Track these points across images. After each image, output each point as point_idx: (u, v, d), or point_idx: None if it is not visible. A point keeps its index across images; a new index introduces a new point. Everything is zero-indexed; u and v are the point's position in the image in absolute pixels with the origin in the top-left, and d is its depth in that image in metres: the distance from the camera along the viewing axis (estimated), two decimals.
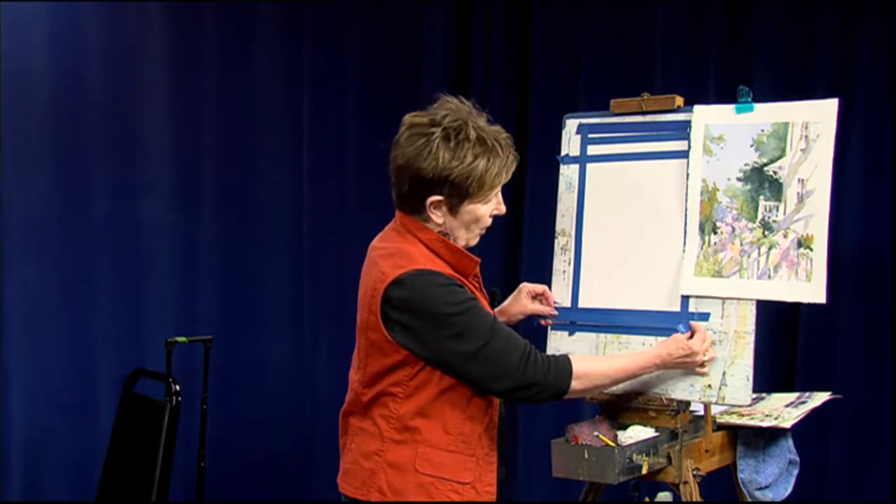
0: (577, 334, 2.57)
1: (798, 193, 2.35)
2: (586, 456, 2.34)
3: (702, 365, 2.36)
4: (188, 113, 4.17)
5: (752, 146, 2.42)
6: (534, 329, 2.60)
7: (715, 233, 2.44)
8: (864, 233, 3.61)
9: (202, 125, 4.22)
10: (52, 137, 3.88)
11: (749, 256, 2.39)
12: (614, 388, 2.43)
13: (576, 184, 2.64)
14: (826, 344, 3.67)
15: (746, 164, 2.42)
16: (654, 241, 2.52)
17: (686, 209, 2.48)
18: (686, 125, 2.50)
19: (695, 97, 2.68)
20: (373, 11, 4.49)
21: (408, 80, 4.48)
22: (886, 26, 3.58)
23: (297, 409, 4.42)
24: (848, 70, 3.64)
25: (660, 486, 3.20)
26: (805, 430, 2.77)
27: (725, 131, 2.45)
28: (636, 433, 2.40)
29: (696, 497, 2.39)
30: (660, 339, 2.41)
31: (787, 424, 2.57)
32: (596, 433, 2.40)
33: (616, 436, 2.41)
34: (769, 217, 2.38)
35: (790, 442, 2.67)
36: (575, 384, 2.15)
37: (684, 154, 2.50)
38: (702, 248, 2.45)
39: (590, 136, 2.64)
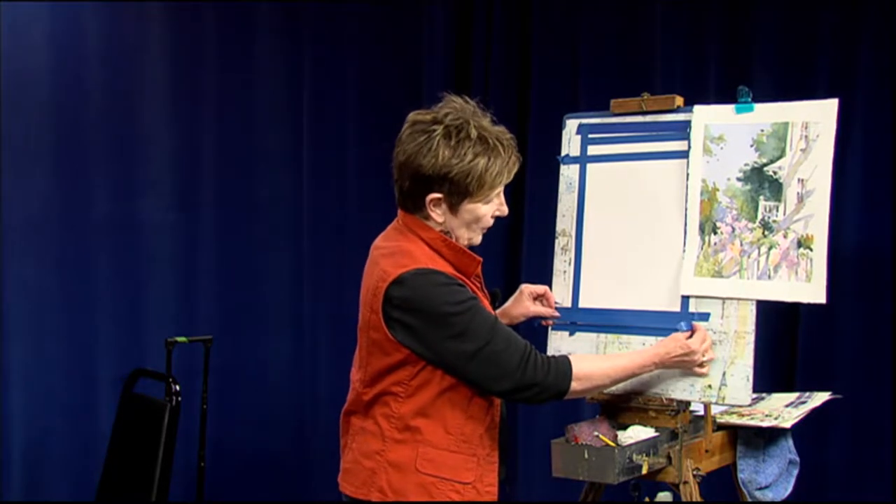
0: (578, 334, 2.57)
1: (798, 193, 2.35)
2: (586, 456, 2.34)
3: (701, 365, 2.35)
4: (188, 113, 4.17)
5: (751, 146, 2.42)
6: (534, 330, 2.60)
7: (715, 233, 2.44)
8: (864, 233, 3.61)
9: (202, 125, 4.22)
10: (52, 137, 3.88)
11: (749, 256, 2.39)
12: (614, 388, 2.43)
13: (576, 184, 2.63)
14: (826, 344, 3.67)
15: (746, 165, 2.42)
16: (654, 242, 2.52)
17: (686, 209, 2.48)
18: (686, 125, 2.50)
19: (695, 97, 2.68)
20: (373, 11, 4.48)
21: (408, 80, 4.48)
22: (886, 26, 3.58)
23: (297, 409, 4.42)
24: (848, 70, 3.64)
25: (660, 486, 3.20)
26: (805, 430, 2.77)
27: (725, 131, 2.45)
28: (636, 433, 2.40)
29: (696, 497, 2.39)
30: (660, 339, 2.41)
31: (787, 424, 2.56)
32: (596, 433, 2.40)
33: (616, 436, 2.41)
34: (769, 217, 2.38)
35: (790, 442, 2.67)
36: (574, 385, 2.15)
37: (684, 154, 2.49)
38: (702, 249, 2.45)
39: (590, 136, 2.64)
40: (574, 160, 2.65)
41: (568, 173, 2.66)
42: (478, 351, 2.08)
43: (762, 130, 2.41)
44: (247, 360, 4.26)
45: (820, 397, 2.80)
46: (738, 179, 2.43)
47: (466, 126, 2.12)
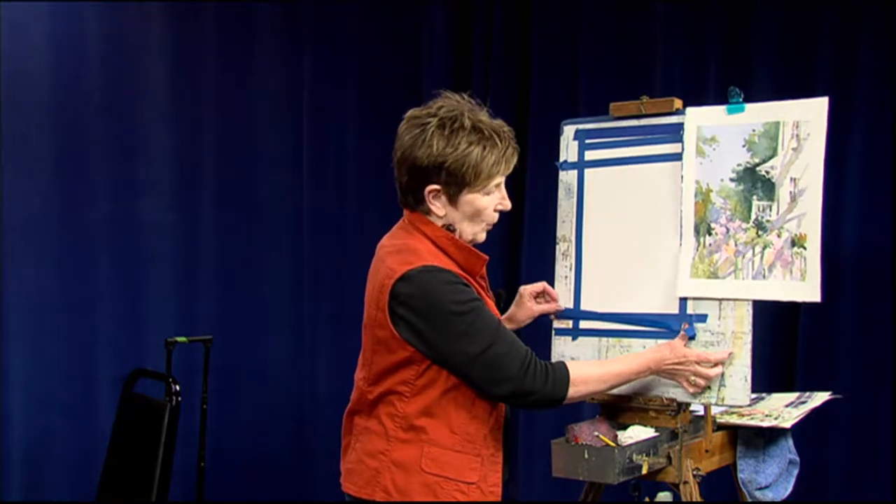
0: (580, 339, 2.58)
1: (790, 192, 2.35)
2: (586, 456, 2.34)
3: (692, 382, 2.34)
4: (188, 113, 4.17)
5: (744, 146, 2.42)
6: (541, 332, 2.61)
7: (709, 234, 2.44)
8: (863, 233, 3.60)
9: (202, 125, 4.22)
10: (52, 137, 3.88)
11: (744, 257, 2.39)
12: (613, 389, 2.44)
13: (574, 189, 2.64)
14: (826, 344, 3.66)
15: (739, 165, 2.42)
16: (652, 244, 2.52)
17: (681, 211, 2.48)
18: (680, 127, 2.50)
19: (695, 97, 2.68)
20: (373, 11, 4.49)
21: (408, 80, 4.48)
22: (886, 26, 3.58)
23: (297, 409, 4.42)
24: (848, 70, 3.64)
25: (660, 486, 3.20)
26: (805, 430, 2.77)
27: (717, 132, 2.45)
28: (636, 433, 2.40)
29: (696, 497, 2.39)
30: (660, 341, 2.42)
31: (787, 424, 2.56)
32: (596, 433, 2.40)
33: (616, 436, 2.41)
34: (762, 217, 2.38)
35: (790, 442, 2.67)
36: (571, 391, 2.15)
37: (679, 156, 2.50)
38: (697, 250, 2.45)
39: (587, 141, 2.64)
40: (572, 166, 2.66)
41: (566, 179, 2.66)
42: (480, 353, 2.08)
43: (754, 130, 2.41)
44: (247, 360, 4.27)
45: (820, 397, 2.80)
46: (732, 180, 2.43)
47: (461, 117, 2.14)
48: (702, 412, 2.51)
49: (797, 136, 2.36)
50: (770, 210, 2.37)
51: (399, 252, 2.15)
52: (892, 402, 3.54)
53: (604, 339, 2.55)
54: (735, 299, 2.38)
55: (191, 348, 3.77)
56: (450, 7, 4.47)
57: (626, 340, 2.51)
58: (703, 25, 3.92)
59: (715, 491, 3.01)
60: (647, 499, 3.03)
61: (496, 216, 2.22)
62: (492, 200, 2.19)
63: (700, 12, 3.92)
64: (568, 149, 2.67)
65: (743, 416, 2.63)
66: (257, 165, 4.35)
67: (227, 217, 4.25)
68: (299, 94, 4.41)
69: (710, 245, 2.44)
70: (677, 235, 2.48)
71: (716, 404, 2.41)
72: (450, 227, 2.19)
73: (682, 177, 2.48)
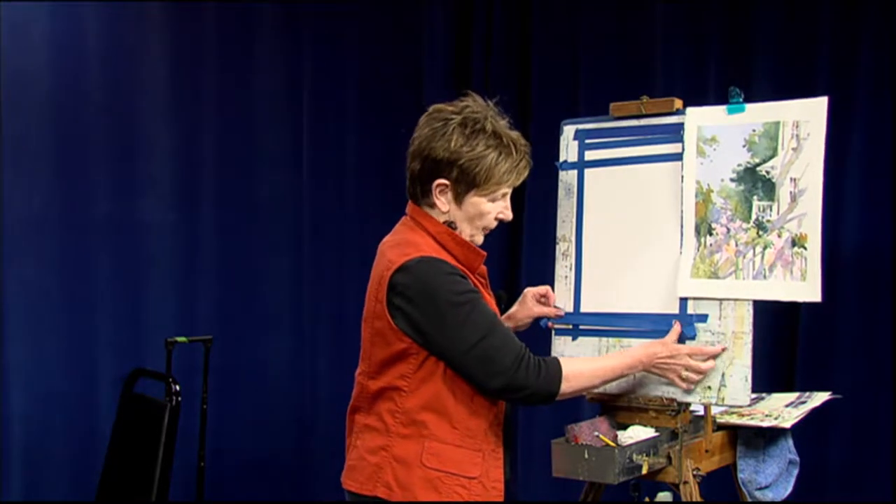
0: (581, 339, 2.58)
1: (790, 192, 2.35)
2: (586, 456, 2.34)
3: (683, 378, 2.35)
4: (188, 113, 4.17)
5: (744, 146, 2.42)
6: (540, 333, 2.61)
7: (710, 234, 2.44)
8: (863, 233, 3.61)
9: (202, 125, 4.22)
10: (52, 137, 3.88)
11: (744, 257, 2.39)
12: (614, 389, 2.45)
13: (575, 189, 2.64)
14: (826, 344, 3.67)
15: (739, 165, 2.42)
16: (652, 244, 2.52)
17: (681, 211, 2.48)
18: (680, 127, 2.50)
19: (695, 97, 2.68)
20: (373, 11, 4.49)
21: (408, 80, 4.48)
22: (886, 26, 3.58)
23: (297, 409, 4.42)
24: (848, 70, 3.64)
25: (660, 486, 3.21)
26: (805, 430, 2.77)
27: (718, 132, 2.45)
28: (636, 433, 2.40)
29: (696, 497, 2.39)
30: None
31: (787, 424, 2.56)
32: (596, 433, 2.40)
33: (616, 436, 2.41)
34: (763, 217, 2.38)
35: (790, 442, 2.67)
36: (564, 386, 2.16)
37: (679, 156, 2.50)
38: (698, 250, 2.45)
39: (587, 141, 2.64)
40: (572, 166, 2.66)
41: (566, 179, 2.66)
42: (474, 345, 2.09)
43: (754, 130, 2.41)
44: (247, 360, 4.26)
45: (820, 397, 2.80)
46: (732, 180, 2.43)
47: (483, 121, 2.18)
48: (702, 412, 2.51)
49: (797, 136, 2.36)
50: (770, 210, 2.37)
51: (398, 245, 2.18)
52: (892, 402, 3.54)
53: (604, 339, 2.55)
54: (735, 299, 2.38)
55: (191, 348, 3.77)
56: (450, 7, 4.47)
57: (626, 340, 2.51)
58: (703, 25, 3.92)
59: (715, 491, 3.01)
60: (647, 499, 3.03)
61: (495, 224, 2.25)
62: (495, 207, 2.22)
63: (700, 12, 3.92)
64: (568, 149, 2.67)
65: (743, 416, 2.63)
66: (257, 165, 4.35)
67: (227, 217, 4.25)
68: (299, 94, 4.41)
69: (710, 245, 2.44)
70: (678, 235, 2.48)
71: (716, 404, 2.41)
72: (451, 224, 2.21)
73: (682, 177, 2.49)
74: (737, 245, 2.41)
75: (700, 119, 2.48)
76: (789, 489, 2.64)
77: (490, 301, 2.24)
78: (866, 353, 3.61)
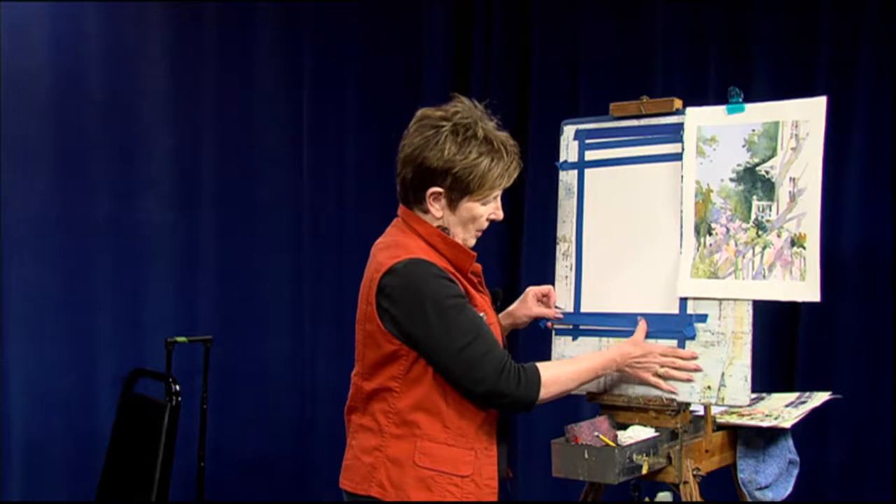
0: (581, 339, 2.58)
1: (790, 192, 2.35)
2: (586, 456, 2.34)
3: (664, 374, 2.36)
4: (188, 113, 4.17)
5: (743, 146, 2.42)
6: (539, 334, 2.61)
7: (710, 234, 2.44)
8: (863, 233, 3.61)
9: (202, 125, 4.22)
10: (52, 137, 3.88)
11: (744, 257, 2.39)
12: (615, 388, 2.46)
13: (575, 189, 2.64)
14: (826, 344, 3.66)
15: (739, 165, 2.42)
16: (652, 244, 2.52)
17: (681, 211, 2.48)
18: (680, 127, 2.51)
19: (695, 97, 2.68)
20: (373, 11, 4.49)
21: (408, 80, 4.48)
22: (886, 26, 3.58)
23: (297, 409, 4.42)
24: (848, 70, 3.64)
25: (660, 486, 3.20)
26: (805, 430, 2.77)
27: (717, 132, 2.45)
28: (636, 433, 2.40)
29: (696, 497, 2.39)
30: (660, 341, 2.42)
31: (787, 424, 2.56)
32: (596, 433, 2.40)
33: (616, 436, 2.41)
34: (762, 217, 2.38)
35: (790, 442, 2.67)
36: (542, 393, 2.17)
37: (679, 156, 2.50)
38: (697, 250, 2.45)
39: (587, 141, 2.64)
40: (572, 166, 2.66)
41: (567, 179, 2.66)
42: (459, 350, 2.10)
43: (753, 130, 2.41)
44: (247, 360, 4.27)
45: (820, 397, 2.79)
46: (732, 180, 2.43)
47: (474, 126, 2.17)
48: (702, 412, 2.51)
49: (796, 135, 2.36)
50: (770, 210, 2.37)
51: (389, 247, 2.19)
52: (893, 402, 3.54)
53: (604, 339, 2.55)
54: (735, 299, 2.38)
55: (191, 348, 3.77)
56: (450, 7, 4.47)
57: (626, 340, 2.51)
58: (703, 25, 3.92)
59: (715, 491, 3.01)
60: (647, 499, 3.03)
61: (487, 224, 2.26)
62: (487, 210, 2.23)
63: (700, 12, 3.92)
64: (568, 149, 2.67)
65: (743, 416, 2.63)
66: (257, 165, 4.35)
67: (226, 217, 4.25)
68: (299, 94, 4.41)
69: (710, 245, 2.44)
70: (677, 235, 2.48)
71: (716, 404, 2.41)
72: (444, 230, 2.22)
73: (682, 177, 2.49)
74: (736, 245, 2.41)
75: (700, 119, 2.48)
76: (789, 489, 2.64)
77: (485, 300, 2.26)
78: (866, 352, 3.61)
